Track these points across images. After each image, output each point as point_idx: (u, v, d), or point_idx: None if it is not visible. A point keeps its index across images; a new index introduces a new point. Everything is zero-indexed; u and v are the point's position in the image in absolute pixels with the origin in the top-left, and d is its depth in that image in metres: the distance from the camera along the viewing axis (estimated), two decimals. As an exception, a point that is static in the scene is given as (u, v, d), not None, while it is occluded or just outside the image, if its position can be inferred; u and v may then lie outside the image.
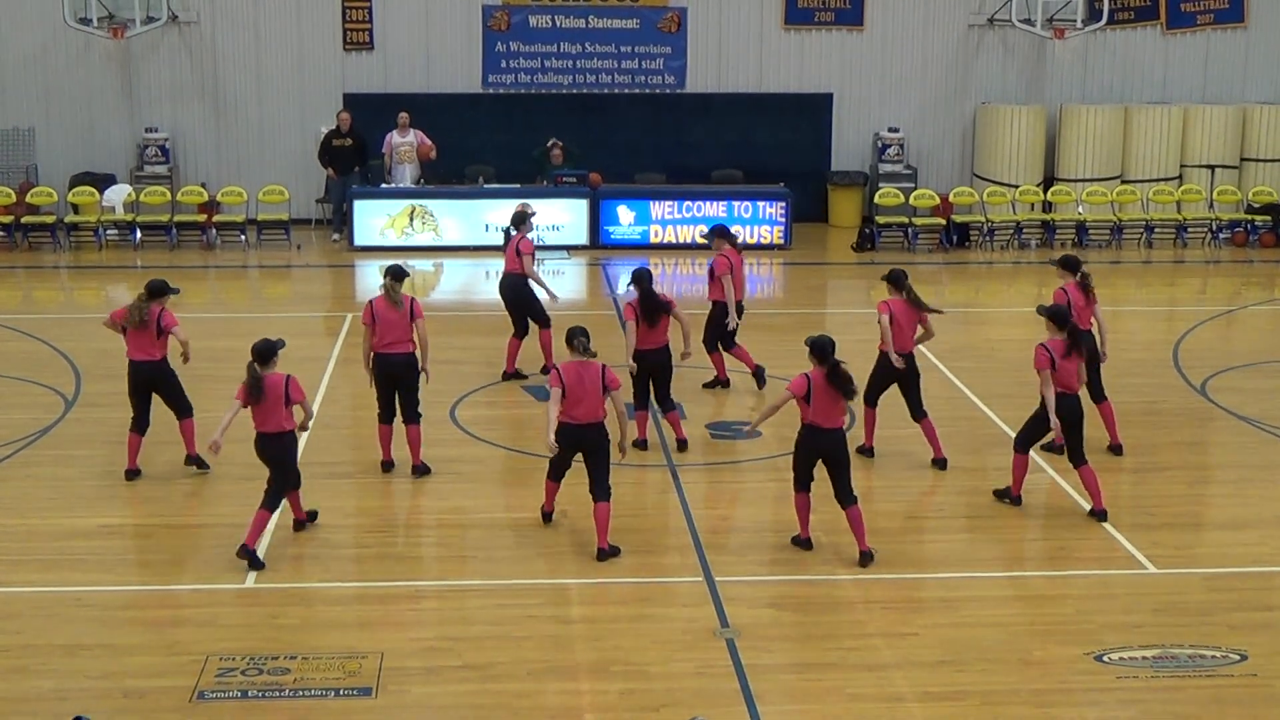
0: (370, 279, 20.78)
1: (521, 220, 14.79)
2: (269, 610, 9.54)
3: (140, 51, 23.19)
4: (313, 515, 10.99)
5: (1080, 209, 22.92)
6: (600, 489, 10.35)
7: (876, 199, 22.79)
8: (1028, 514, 11.51)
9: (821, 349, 10.16)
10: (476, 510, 11.48)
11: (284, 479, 10.39)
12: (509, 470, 12.35)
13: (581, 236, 21.84)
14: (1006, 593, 10.04)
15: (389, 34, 23.41)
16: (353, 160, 22.11)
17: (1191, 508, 11.75)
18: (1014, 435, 11.65)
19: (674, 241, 21.74)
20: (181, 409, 12.11)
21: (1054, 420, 10.86)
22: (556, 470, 10.75)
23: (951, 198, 22.91)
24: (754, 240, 21.96)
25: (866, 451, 12.51)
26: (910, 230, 22.40)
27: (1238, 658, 8.96)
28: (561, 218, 21.77)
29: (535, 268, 14.52)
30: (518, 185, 22.14)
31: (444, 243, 21.63)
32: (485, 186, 22.13)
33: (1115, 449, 12.70)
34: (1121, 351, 16.56)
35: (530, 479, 11.94)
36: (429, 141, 22.07)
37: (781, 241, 22.04)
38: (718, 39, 23.81)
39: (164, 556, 10.48)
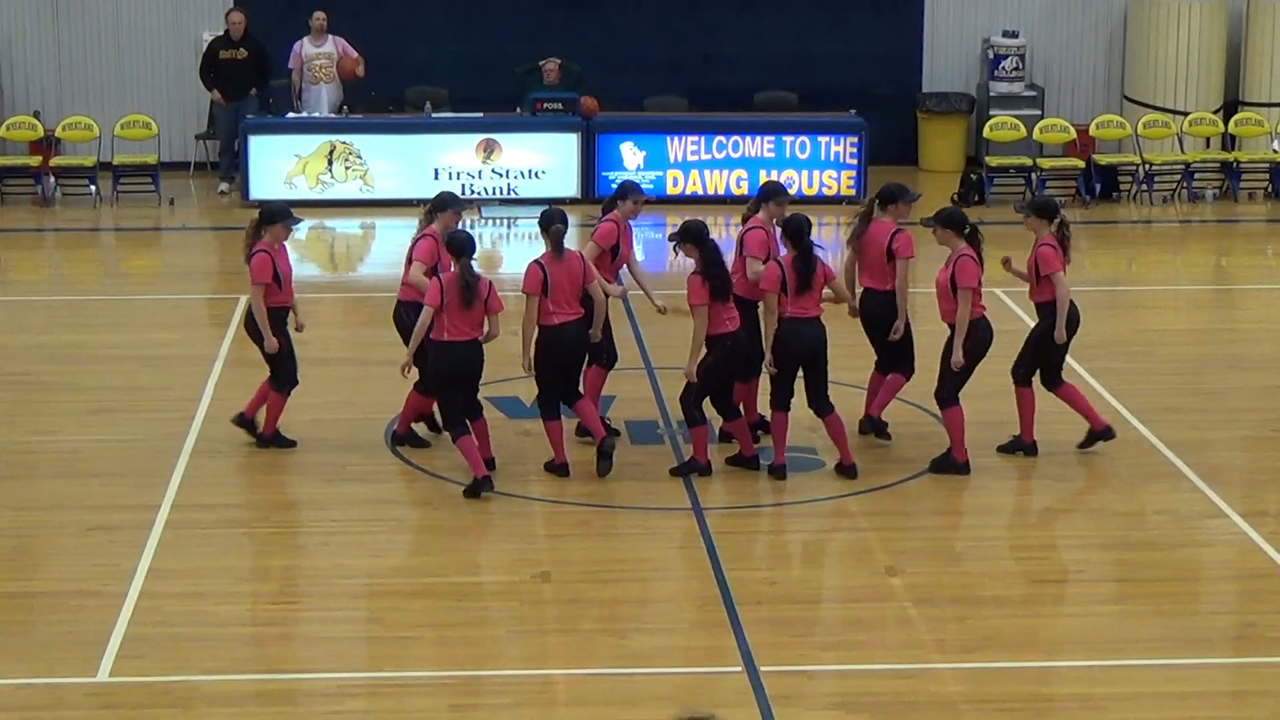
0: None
1: (627, 193, 13.63)
2: (130, 714, 9.51)
3: (-52, -73, 23.28)
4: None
5: (1276, 145, 22.91)
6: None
7: (987, 132, 22.80)
8: (1203, 577, 11.48)
9: (797, 229, 12.39)
10: (423, 571, 11.48)
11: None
12: (466, 515, 12.31)
13: (570, 187, 21.79)
14: (1174, 688, 10.00)
15: (298, -99, 23.44)
16: (248, 79, 22.13)
17: None
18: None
19: (700, 193, 21.72)
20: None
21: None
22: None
23: (1093, 130, 22.90)
24: (814, 191, 21.96)
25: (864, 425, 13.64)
26: (1035, 176, 22.39)
27: None
28: (541, 160, 21.77)
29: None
30: (480, 114, 22.15)
31: (376, 195, 21.63)
32: (434, 116, 22.15)
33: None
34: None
35: (495, 527, 11.97)
36: (354, 53, 22.09)
37: (853, 192, 22.03)
38: (762, -93, 23.87)
39: (-18, 637, 10.47)
